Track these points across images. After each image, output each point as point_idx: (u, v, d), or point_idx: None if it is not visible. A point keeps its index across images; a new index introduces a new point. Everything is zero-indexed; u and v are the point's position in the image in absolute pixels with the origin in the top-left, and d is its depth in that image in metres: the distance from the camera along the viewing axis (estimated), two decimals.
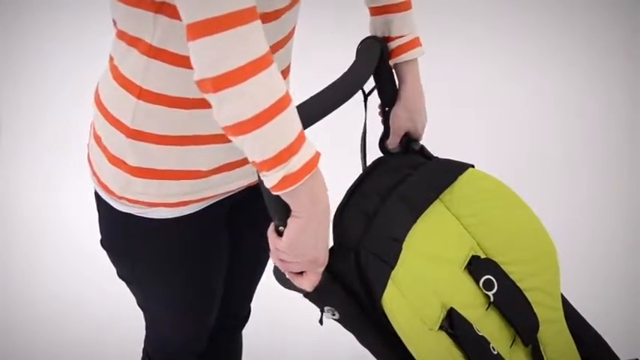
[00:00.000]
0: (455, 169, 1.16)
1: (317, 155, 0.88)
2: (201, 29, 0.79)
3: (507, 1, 3.89)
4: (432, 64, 3.45)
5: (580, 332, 1.19)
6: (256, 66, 0.81)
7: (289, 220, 0.92)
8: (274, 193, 0.88)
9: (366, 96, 1.22)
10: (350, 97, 1.07)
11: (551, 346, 1.15)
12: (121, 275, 1.28)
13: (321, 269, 0.98)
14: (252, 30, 0.80)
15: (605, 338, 1.21)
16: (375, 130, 1.28)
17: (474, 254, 1.13)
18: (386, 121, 1.26)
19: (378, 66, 1.19)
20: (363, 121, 1.22)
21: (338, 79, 1.08)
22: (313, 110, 1.00)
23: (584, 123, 3.05)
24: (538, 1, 3.89)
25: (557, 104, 3.17)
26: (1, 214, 2.59)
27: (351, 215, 1.08)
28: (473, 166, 1.19)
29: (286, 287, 1.05)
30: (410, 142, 1.25)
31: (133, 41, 0.99)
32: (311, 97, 1.02)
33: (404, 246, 1.05)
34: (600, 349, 1.20)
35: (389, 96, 1.24)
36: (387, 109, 1.25)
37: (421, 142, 1.26)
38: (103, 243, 1.24)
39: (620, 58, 3.47)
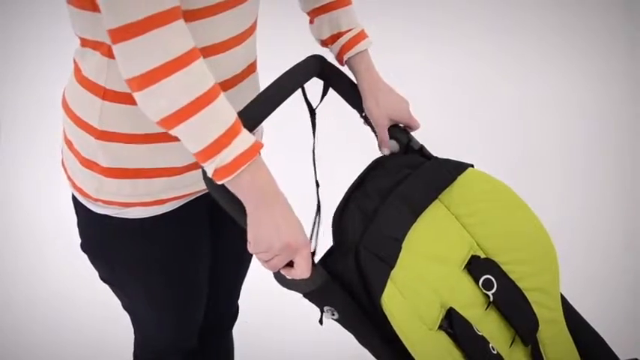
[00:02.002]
0: (454, 169, 1.16)
1: (254, 147, 0.92)
2: (121, 34, 0.85)
3: (507, 2, 3.89)
4: (433, 64, 3.47)
5: (579, 332, 1.19)
6: (172, 66, 0.86)
7: (247, 218, 0.96)
8: (217, 182, 0.93)
9: (312, 111, 1.24)
10: (287, 98, 1.14)
11: (551, 346, 1.15)
12: (102, 278, 1.28)
13: (305, 252, 0.98)
14: (170, 31, 0.86)
15: (605, 338, 1.21)
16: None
17: (474, 254, 1.13)
18: (369, 124, 1.26)
19: (333, 78, 1.24)
20: (313, 139, 1.25)
21: (273, 83, 1.14)
22: (254, 114, 1.08)
23: (584, 123, 3.05)
24: (537, 2, 3.89)
25: (556, 104, 3.17)
26: (2, 213, 2.59)
27: (351, 215, 1.08)
28: (472, 166, 1.19)
29: (287, 287, 1.05)
30: (409, 141, 1.25)
31: (96, 45, 1.02)
32: (251, 102, 1.08)
33: (403, 246, 1.05)
34: (599, 349, 1.20)
35: (358, 101, 1.25)
36: (363, 114, 1.26)
37: (420, 142, 1.26)
38: (83, 246, 1.24)
39: (621, 58, 3.47)
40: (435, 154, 1.24)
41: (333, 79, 1.25)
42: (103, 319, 2.13)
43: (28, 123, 3.00)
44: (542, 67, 3.40)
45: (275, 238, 0.96)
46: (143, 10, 0.84)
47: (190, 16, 0.98)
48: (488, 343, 1.07)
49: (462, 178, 1.16)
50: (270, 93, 1.13)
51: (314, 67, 1.22)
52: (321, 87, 1.26)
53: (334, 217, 1.09)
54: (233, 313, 1.57)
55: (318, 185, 1.26)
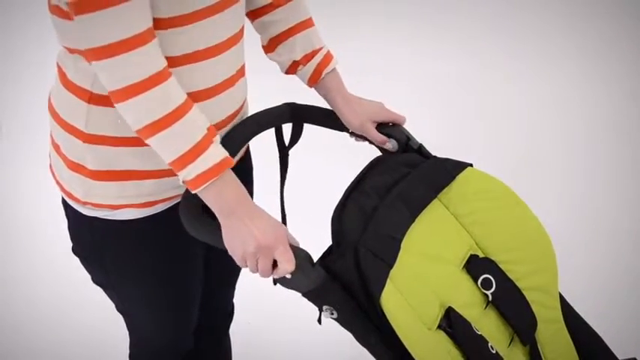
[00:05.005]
0: (453, 168, 1.16)
1: (220, 165, 0.98)
2: (98, 54, 0.92)
3: (510, 3, 3.89)
4: (434, 64, 3.47)
5: (578, 332, 1.19)
6: (137, 88, 0.93)
7: (222, 234, 1.02)
8: (191, 191, 1.00)
9: (284, 152, 1.31)
10: (259, 133, 1.25)
11: (550, 346, 1.15)
12: (95, 281, 1.28)
13: (281, 247, 1.00)
14: (143, 53, 0.93)
15: (603, 338, 1.21)
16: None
17: (473, 253, 1.13)
18: (360, 136, 1.28)
19: (306, 114, 1.30)
20: (282, 179, 1.32)
21: (248, 117, 1.23)
22: (233, 140, 1.16)
23: (584, 123, 3.06)
24: (541, 3, 3.89)
25: (558, 105, 3.17)
26: (2, 213, 2.59)
27: (350, 214, 1.08)
28: (471, 165, 1.19)
29: (286, 287, 1.05)
30: (408, 140, 1.25)
31: (81, 52, 1.03)
32: (226, 133, 1.17)
33: (402, 245, 1.05)
34: (598, 348, 1.20)
35: (337, 121, 1.28)
36: (349, 131, 1.29)
37: (419, 142, 1.26)
38: (75, 249, 1.24)
39: (623, 59, 3.47)
40: (435, 154, 1.24)
41: (306, 115, 1.30)
42: (103, 318, 2.13)
43: (29, 123, 3.00)
44: (544, 67, 3.41)
45: (247, 242, 0.99)
46: (112, 36, 0.91)
47: (184, 20, 1.00)
48: (487, 342, 1.07)
49: (460, 178, 1.16)
50: (244, 125, 1.21)
51: (285, 112, 1.29)
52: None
53: (333, 216, 1.09)
54: (229, 312, 1.57)
55: (284, 217, 1.35)
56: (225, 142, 1.13)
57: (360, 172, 1.16)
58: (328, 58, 1.25)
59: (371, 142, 1.28)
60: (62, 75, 1.09)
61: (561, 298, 1.19)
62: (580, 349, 1.18)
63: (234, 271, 1.47)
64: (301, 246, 1.04)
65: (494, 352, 1.07)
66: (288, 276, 1.01)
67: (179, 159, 0.97)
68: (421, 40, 3.61)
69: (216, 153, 0.99)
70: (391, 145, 1.26)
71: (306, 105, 1.30)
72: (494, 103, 3.18)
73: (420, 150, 1.24)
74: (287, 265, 1.00)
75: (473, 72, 3.37)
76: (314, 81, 1.26)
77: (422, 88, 3.24)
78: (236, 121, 1.20)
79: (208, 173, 0.98)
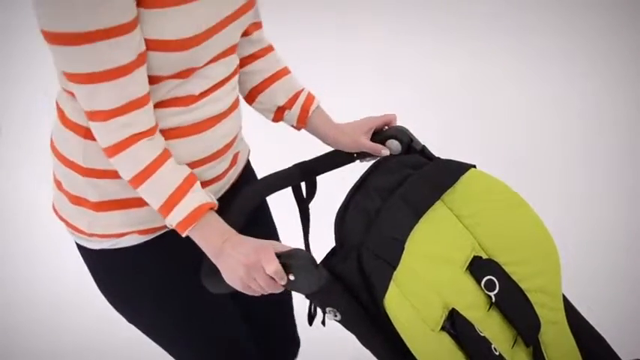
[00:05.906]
0: (456, 170, 1.16)
1: (195, 213, 1.04)
2: (91, 116, 1.00)
3: (510, 2, 3.89)
4: (434, 64, 3.47)
5: (581, 333, 1.19)
6: (118, 147, 1.01)
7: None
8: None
9: (306, 205, 1.32)
10: (269, 195, 1.29)
11: (553, 347, 1.15)
12: (130, 321, 1.28)
13: (264, 255, 1.01)
14: (130, 118, 1.00)
15: (606, 338, 1.21)
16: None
17: (476, 255, 1.12)
18: (364, 155, 1.30)
19: (313, 166, 1.32)
20: (303, 232, 1.33)
21: (258, 180, 1.29)
22: (242, 205, 1.21)
23: (584, 123, 3.06)
24: (540, 2, 3.89)
25: (558, 104, 3.18)
26: (1, 213, 2.59)
27: (353, 215, 1.08)
28: (474, 167, 1.19)
29: (290, 289, 1.05)
30: (411, 142, 1.25)
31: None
32: (241, 193, 1.22)
33: (406, 246, 1.05)
34: (601, 349, 1.20)
35: (341, 155, 1.31)
36: (354, 154, 1.30)
37: (422, 143, 1.26)
38: (103, 293, 1.26)
39: (622, 59, 3.47)
40: (437, 154, 1.24)
41: (315, 169, 1.32)
42: (103, 320, 2.13)
43: (28, 123, 3.00)
44: (544, 67, 3.41)
45: (237, 269, 1.02)
46: (110, 103, 0.98)
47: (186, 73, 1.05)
48: (491, 344, 1.06)
49: (464, 179, 1.15)
50: (255, 188, 1.25)
51: (295, 173, 1.30)
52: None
53: (336, 218, 1.09)
54: (295, 341, 1.57)
55: (308, 247, 1.34)
56: (235, 207, 1.18)
57: (363, 174, 1.16)
58: (311, 97, 1.29)
59: (377, 156, 1.28)
60: (61, 114, 1.13)
61: (564, 299, 1.19)
62: (583, 351, 1.18)
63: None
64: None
65: (497, 353, 1.06)
66: (292, 278, 1.01)
67: (160, 210, 1.05)
68: (421, 40, 3.61)
69: (190, 203, 1.04)
70: (392, 146, 1.26)
71: (313, 159, 1.33)
72: (494, 103, 3.18)
73: (423, 151, 1.24)
74: (269, 267, 1.00)
75: (473, 72, 3.37)
76: (302, 121, 1.29)
77: (423, 88, 3.24)
78: (228, 154, 1.21)
79: (185, 222, 1.04)
